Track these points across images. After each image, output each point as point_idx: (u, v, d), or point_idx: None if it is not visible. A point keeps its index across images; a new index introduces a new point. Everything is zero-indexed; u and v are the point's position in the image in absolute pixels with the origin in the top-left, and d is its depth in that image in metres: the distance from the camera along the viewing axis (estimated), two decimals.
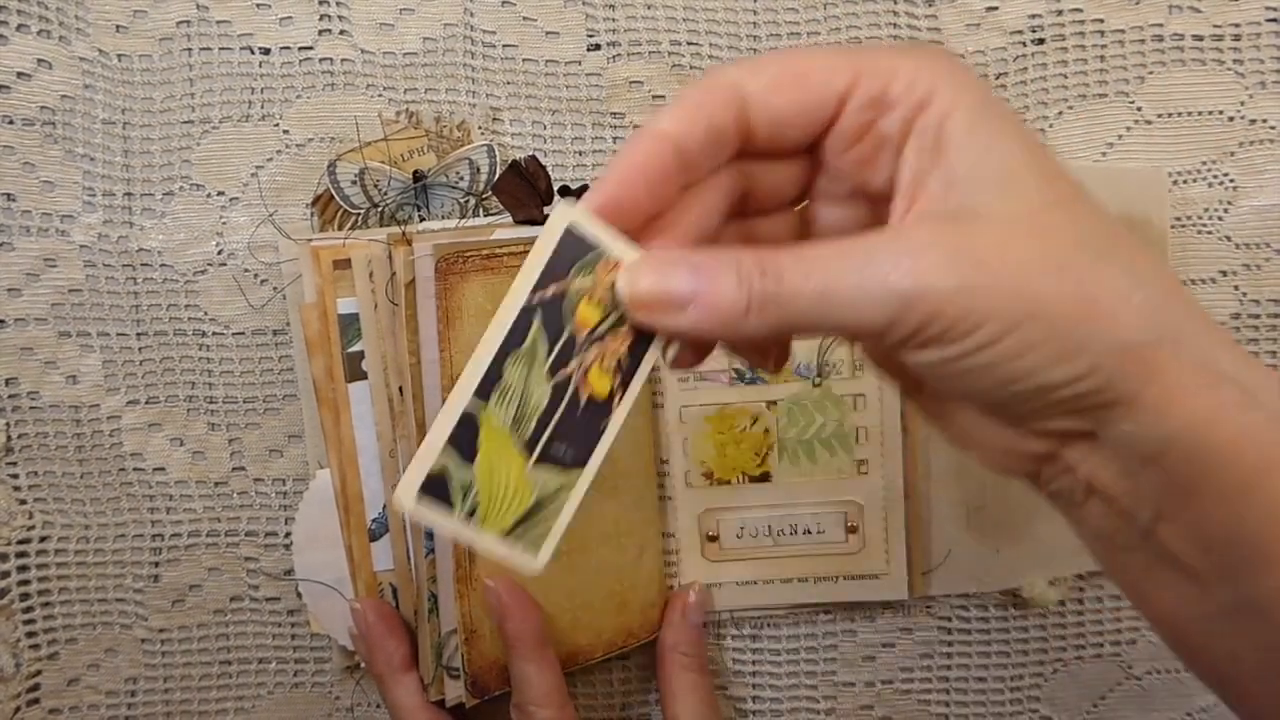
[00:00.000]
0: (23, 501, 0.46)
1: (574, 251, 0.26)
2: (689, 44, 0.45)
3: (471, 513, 0.25)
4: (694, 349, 0.29)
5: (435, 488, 0.25)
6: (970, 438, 0.28)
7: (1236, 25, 0.45)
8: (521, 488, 0.26)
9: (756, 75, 0.26)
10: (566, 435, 0.26)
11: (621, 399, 0.27)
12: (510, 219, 0.43)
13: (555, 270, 0.26)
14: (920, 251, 0.24)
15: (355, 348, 0.43)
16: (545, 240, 0.25)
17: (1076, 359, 0.24)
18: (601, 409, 0.27)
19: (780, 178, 0.29)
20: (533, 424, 0.26)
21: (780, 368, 0.31)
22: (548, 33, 0.45)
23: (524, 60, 0.45)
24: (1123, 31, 0.45)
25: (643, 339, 0.27)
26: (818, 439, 0.46)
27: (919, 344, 0.25)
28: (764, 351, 0.30)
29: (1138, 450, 0.25)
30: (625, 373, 0.27)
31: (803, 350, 0.45)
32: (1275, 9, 0.45)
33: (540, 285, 0.26)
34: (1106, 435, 0.26)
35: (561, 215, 0.25)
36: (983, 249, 0.24)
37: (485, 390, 0.25)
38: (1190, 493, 0.25)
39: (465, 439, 0.25)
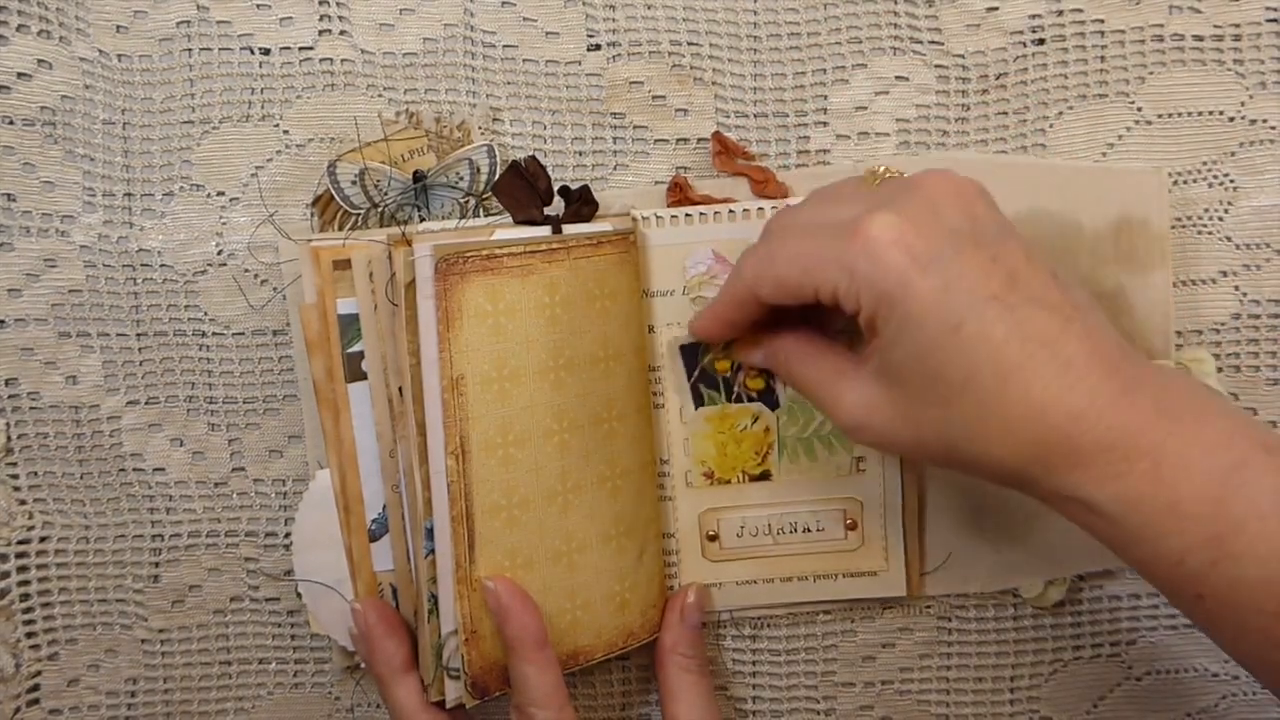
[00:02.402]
0: (23, 502, 0.46)
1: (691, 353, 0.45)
2: (689, 44, 0.45)
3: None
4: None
5: None
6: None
7: (1237, 25, 0.45)
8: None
9: (760, 283, 0.38)
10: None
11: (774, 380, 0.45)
12: (510, 219, 0.43)
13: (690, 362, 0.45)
14: (853, 408, 0.37)
15: (355, 348, 0.43)
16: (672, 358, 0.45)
17: (999, 444, 0.34)
18: (767, 393, 0.45)
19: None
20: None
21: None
22: (548, 33, 0.45)
23: (524, 60, 0.45)
24: (1123, 32, 0.45)
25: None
26: (817, 436, 0.46)
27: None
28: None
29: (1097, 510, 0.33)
30: (765, 373, 0.45)
31: None
32: (1275, 9, 0.45)
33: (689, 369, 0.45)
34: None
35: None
36: (875, 415, 0.36)
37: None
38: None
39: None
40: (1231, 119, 0.46)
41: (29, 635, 0.46)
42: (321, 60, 0.45)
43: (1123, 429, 0.32)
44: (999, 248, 0.34)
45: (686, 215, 0.45)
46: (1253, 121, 0.46)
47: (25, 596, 0.46)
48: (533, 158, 0.43)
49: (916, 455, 0.37)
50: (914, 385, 0.34)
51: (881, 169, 0.38)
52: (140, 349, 0.45)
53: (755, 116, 0.46)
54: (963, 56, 0.45)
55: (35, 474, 0.46)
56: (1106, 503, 0.32)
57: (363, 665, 0.47)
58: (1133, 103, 0.46)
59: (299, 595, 0.45)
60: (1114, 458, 0.32)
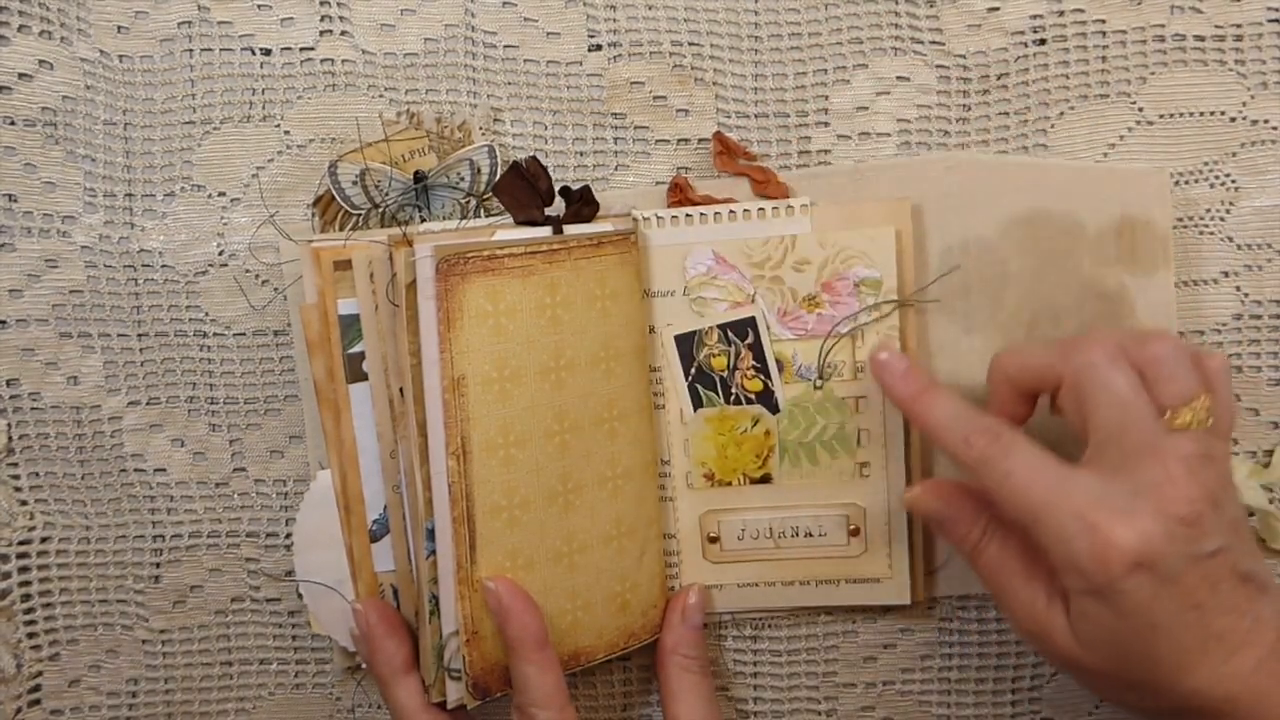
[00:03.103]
0: (24, 502, 0.46)
1: (688, 345, 0.45)
2: (690, 44, 0.45)
3: None
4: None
5: None
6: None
7: (1238, 26, 0.45)
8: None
9: (1008, 372, 0.41)
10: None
11: (773, 384, 0.45)
12: (511, 220, 0.43)
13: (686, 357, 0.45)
14: (1031, 623, 0.38)
15: (356, 349, 0.43)
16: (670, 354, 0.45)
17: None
18: (765, 395, 0.45)
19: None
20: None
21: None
22: (549, 33, 0.45)
23: (525, 61, 0.45)
24: (1124, 32, 0.45)
25: (756, 355, 0.45)
26: (819, 441, 0.46)
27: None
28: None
29: None
30: (763, 375, 0.45)
31: (804, 352, 0.45)
32: (1277, 9, 0.45)
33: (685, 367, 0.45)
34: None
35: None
36: (1055, 637, 0.37)
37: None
38: None
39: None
40: (1233, 119, 0.46)
41: (30, 636, 0.46)
42: (322, 61, 0.45)
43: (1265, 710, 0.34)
44: (1218, 550, 0.35)
45: (687, 215, 0.45)
46: (1254, 122, 0.45)
47: (26, 597, 0.46)
48: (533, 158, 0.43)
49: (1078, 673, 0.38)
50: (1103, 653, 0.36)
51: (1192, 416, 0.37)
52: (141, 349, 0.45)
53: (756, 117, 0.46)
54: (964, 57, 0.45)
55: (36, 474, 0.46)
56: None
57: (364, 666, 0.47)
58: (1134, 103, 0.45)
59: (300, 596, 0.45)
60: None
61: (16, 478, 0.45)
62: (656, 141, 0.46)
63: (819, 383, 0.45)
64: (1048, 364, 0.39)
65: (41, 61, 0.44)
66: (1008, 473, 0.36)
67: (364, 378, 0.43)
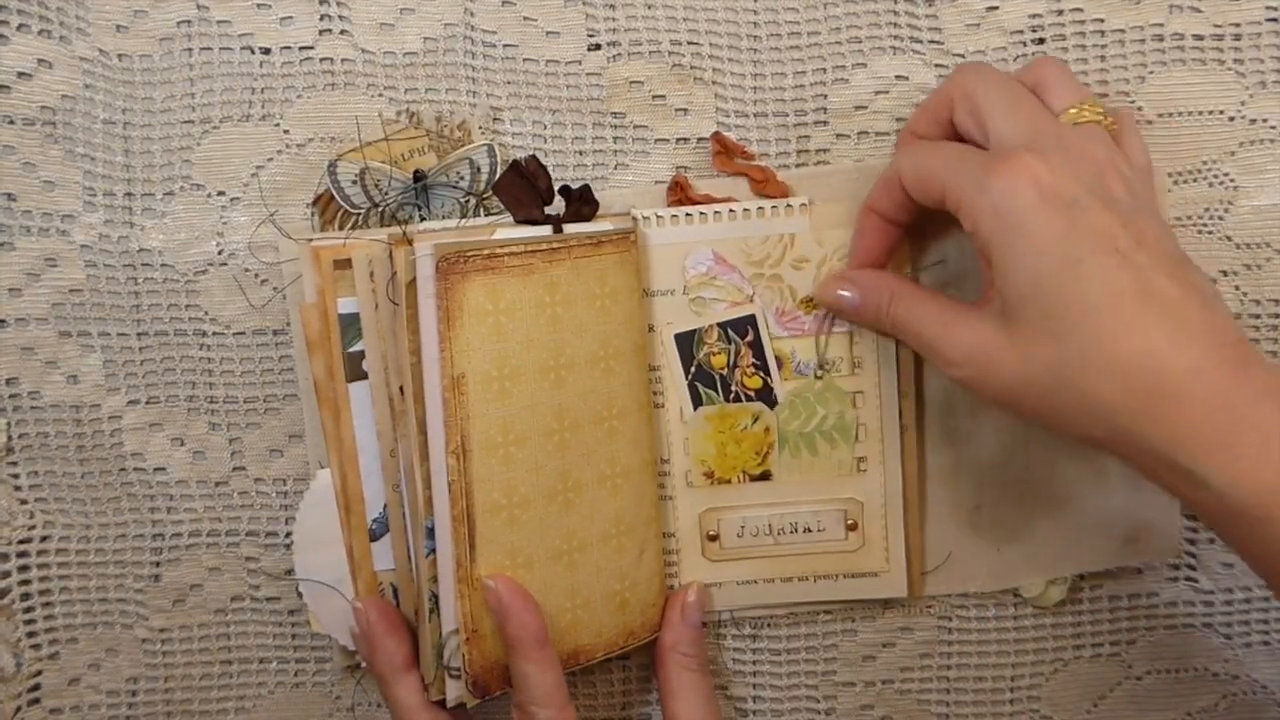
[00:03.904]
0: (23, 501, 0.46)
1: (688, 344, 0.45)
2: (689, 44, 0.45)
3: None
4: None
5: None
6: None
7: (1237, 25, 0.45)
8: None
9: (906, 165, 0.40)
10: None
11: (772, 380, 0.45)
12: (511, 219, 0.43)
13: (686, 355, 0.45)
14: (964, 342, 0.38)
15: (356, 347, 0.43)
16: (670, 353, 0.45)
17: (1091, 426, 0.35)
18: (764, 391, 0.46)
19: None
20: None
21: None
22: (548, 32, 0.45)
23: (524, 60, 0.45)
24: (1123, 31, 0.45)
25: (756, 353, 0.45)
26: (819, 431, 0.46)
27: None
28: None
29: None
30: (762, 372, 0.45)
31: (802, 349, 0.45)
32: (1275, 9, 0.45)
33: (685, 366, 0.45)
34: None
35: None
36: (986, 359, 0.37)
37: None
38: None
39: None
40: (1231, 118, 0.46)
41: (30, 635, 0.46)
42: (322, 60, 0.45)
43: (1232, 399, 0.32)
44: (1136, 218, 0.35)
45: (687, 215, 0.45)
46: (1253, 121, 0.46)
47: (26, 596, 0.46)
48: (533, 157, 0.43)
49: (1023, 400, 0.36)
50: (1028, 318, 0.35)
51: (1087, 110, 0.39)
52: (141, 348, 0.45)
53: (755, 116, 0.46)
54: (963, 56, 0.45)
55: (36, 473, 0.46)
56: (1212, 473, 0.32)
57: (363, 664, 0.47)
58: (1133, 102, 0.46)
59: (300, 594, 0.45)
60: (1220, 424, 0.32)
61: (16, 477, 0.45)
62: (656, 141, 0.46)
63: (819, 373, 0.45)
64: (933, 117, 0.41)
65: (41, 60, 0.44)
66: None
67: (364, 376, 0.43)
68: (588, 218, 0.43)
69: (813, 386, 0.45)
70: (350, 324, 0.42)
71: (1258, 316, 0.46)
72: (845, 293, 0.43)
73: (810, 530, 0.46)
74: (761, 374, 0.45)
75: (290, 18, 0.45)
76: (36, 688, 0.47)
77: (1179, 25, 0.45)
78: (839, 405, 0.45)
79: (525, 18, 0.45)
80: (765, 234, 0.44)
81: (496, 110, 0.45)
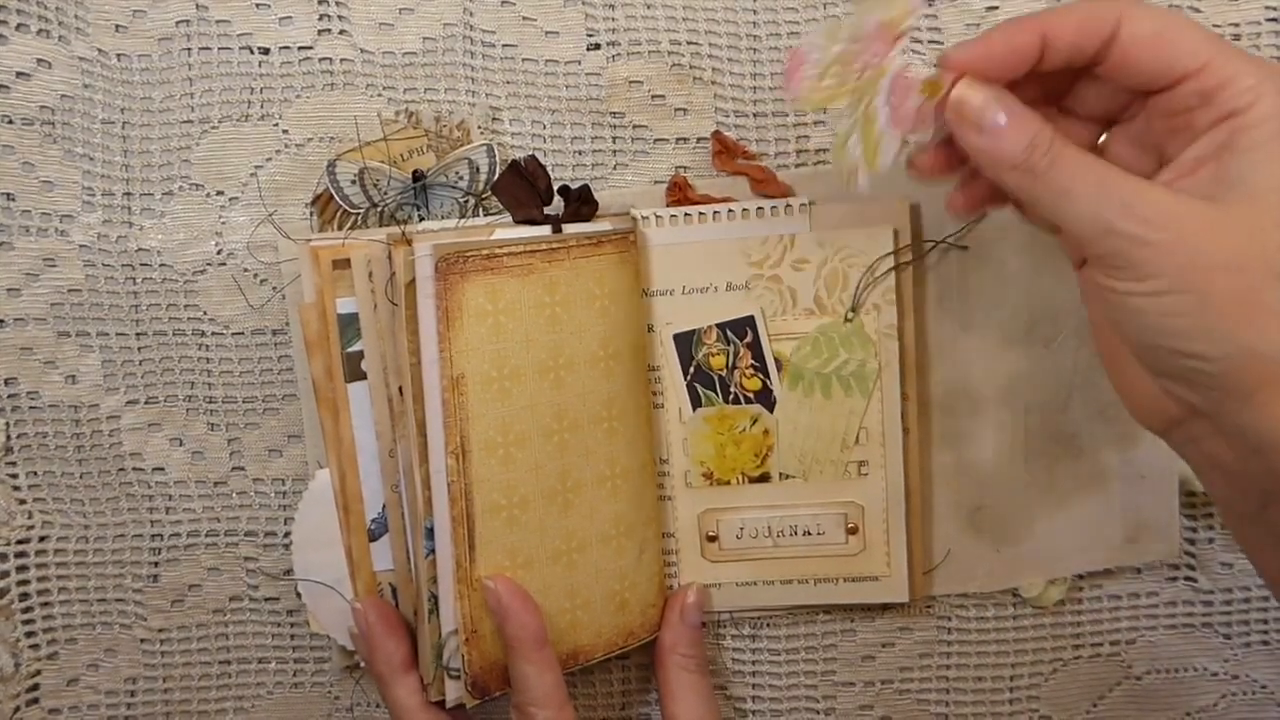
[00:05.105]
0: (22, 501, 0.46)
1: (687, 344, 0.45)
2: (689, 44, 0.45)
3: None
4: (946, 160, 0.36)
5: None
6: (1124, 380, 0.35)
7: (1236, 25, 0.45)
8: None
9: (1141, 26, 0.32)
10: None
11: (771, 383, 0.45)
12: (510, 219, 0.43)
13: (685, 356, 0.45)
14: (1146, 208, 0.31)
15: (355, 348, 0.42)
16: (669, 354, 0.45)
17: (1213, 343, 0.30)
18: (763, 394, 0.45)
19: (1103, 100, 0.35)
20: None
21: (958, 211, 0.38)
22: (547, 32, 0.45)
23: (524, 60, 0.45)
24: None
25: (755, 354, 0.45)
26: (837, 375, 0.45)
27: (1103, 269, 0.32)
28: (980, 197, 0.37)
29: (1248, 441, 0.31)
30: (761, 374, 0.45)
31: (839, 285, 0.44)
32: (1275, 9, 0.45)
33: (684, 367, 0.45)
34: (1222, 422, 0.32)
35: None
36: (1192, 227, 0.30)
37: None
38: None
39: None
40: None
41: (28, 635, 0.46)
42: (321, 60, 0.45)
43: None
44: None
45: (686, 215, 0.45)
46: None
47: (25, 596, 0.46)
48: (532, 157, 0.43)
49: (1213, 284, 0.30)
50: (1268, 205, 0.30)
51: None
52: (140, 348, 0.45)
53: (755, 116, 0.45)
54: None
55: (35, 473, 0.46)
56: None
57: (362, 665, 0.47)
58: None
59: (298, 595, 0.45)
60: None
61: (15, 477, 0.45)
62: (655, 140, 0.46)
63: (850, 315, 0.45)
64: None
65: (40, 60, 0.44)
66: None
67: (363, 377, 0.43)
68: (587, 218, 0.43)
69: (840, 328, 0.45)
70: (349, 324, 0.42)
71: None
72: (992, 113, 0.32)
73: (810, 533, 0.46)
74: (760, 376, 0.45)
75: (289, 17, 0.45)
76: (35, 688, 0.47)
77: None
78: (862, 352, 0.45)
79: (524, 17, 0.45)
80: (765, 234, 0.44)
81: (496, 110, 0.45)
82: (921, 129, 0.33)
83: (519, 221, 0.42)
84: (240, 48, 0.45)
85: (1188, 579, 0.48)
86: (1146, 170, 0.34)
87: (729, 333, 0.45)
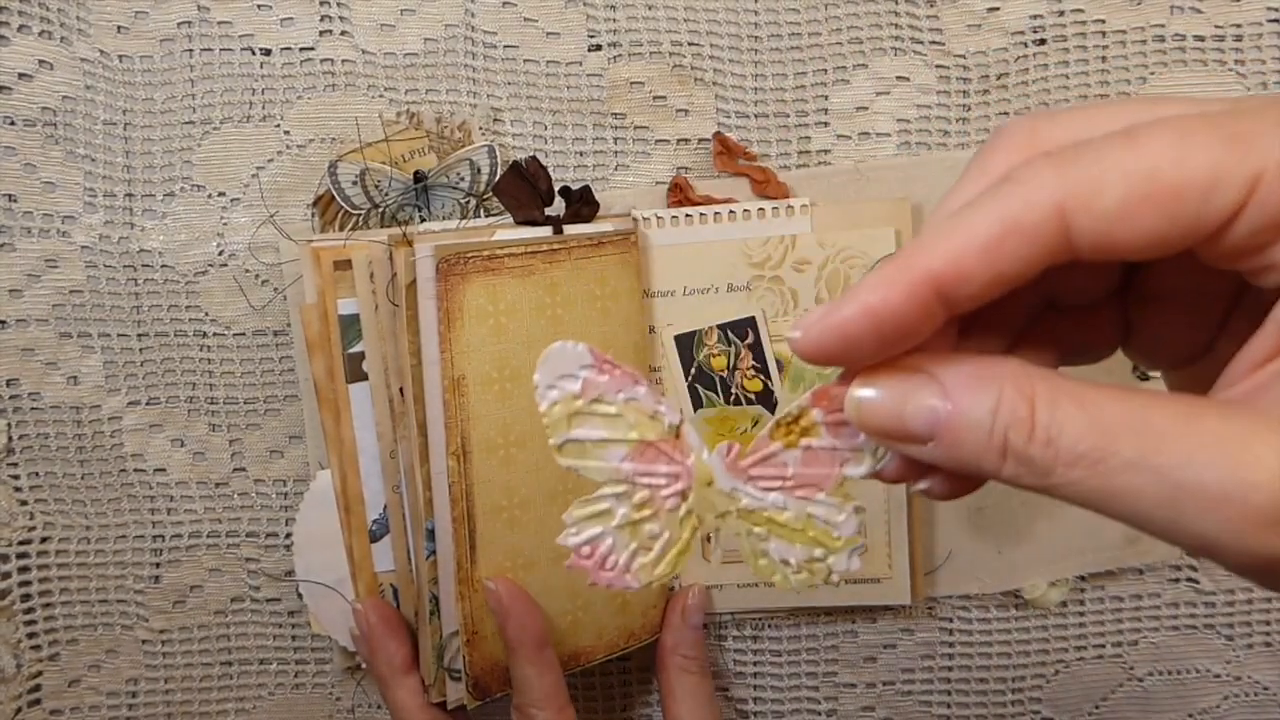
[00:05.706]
0: (24, 502, 0.46)
1: (688, 345, 0.45)
2: (689, 44, 0.45)
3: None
4: (914, 465, 0.23)
5: None
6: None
7: (1238, 26, 0.45)
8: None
9: (1095, 192, 0.19)
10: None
11: (772, 384, 0.44)
12: (511, 220, 0.43)
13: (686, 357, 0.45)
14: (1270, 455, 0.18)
15: (356, 348, 0.43)
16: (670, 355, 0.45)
17: None
18: (765, 395, 0.45)
19: (1098, 278, 0.23)
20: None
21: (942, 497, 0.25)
22: (548, 33, 0.45)
23: (525, 61, 0.45)
24: (1124, 32, 0.45)
25: (756, 356, 0.44)
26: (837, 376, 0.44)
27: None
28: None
29: None
30: (763, 375, 0.45)
31: (840, 286, 0.44)
32: (1276, 9, 0.45)
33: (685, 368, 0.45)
34: None
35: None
36: None
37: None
38: None
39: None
40: None
41: (30, 636, 0.46)
42: (322, 61, 0.45)
43: None
44: None
45: (687, 215, 0.45)
46: None
47: (26, 597, 0.46)
48: (533, 158, 0.43)
49: None
50: None
51: None
52: (141, 349, 0.45)
53: (756, 117, 0.46)
54: (964, 57, 0.45)
55: (36, 474, 0.46)
56: None
57: (363, 666, 0.47)
58: None
59: (300, 596, 0.45)
60: None
61: (16, 478, 0.45)
62: (656, 141, 0.46)
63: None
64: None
65: (41, 61, 0.44)
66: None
67: (364, 377, 0.43)
68: (588, 219, 0.43)
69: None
70: (350, 325, 0.42)
71: None
72: (935, 401, 0.21)
73: None
74: (762, 377, 0.45)
75: (291, 19, 0.45)
76: (37, 689, 0.47)
77: (1180, 26, 0.45)
78: None
79: (526, 19, 0.45)
80: (766, 235, 0.44)
81: (497, 111, 0.45)
82: (853, 462, 0.25)
83: (520, 222, 0.42)
84: (242, 49, 0.45)
85: (1190, 580, 0.48)
86: (1198, 343, 0.23)
87: (730, 334, 0.45)
